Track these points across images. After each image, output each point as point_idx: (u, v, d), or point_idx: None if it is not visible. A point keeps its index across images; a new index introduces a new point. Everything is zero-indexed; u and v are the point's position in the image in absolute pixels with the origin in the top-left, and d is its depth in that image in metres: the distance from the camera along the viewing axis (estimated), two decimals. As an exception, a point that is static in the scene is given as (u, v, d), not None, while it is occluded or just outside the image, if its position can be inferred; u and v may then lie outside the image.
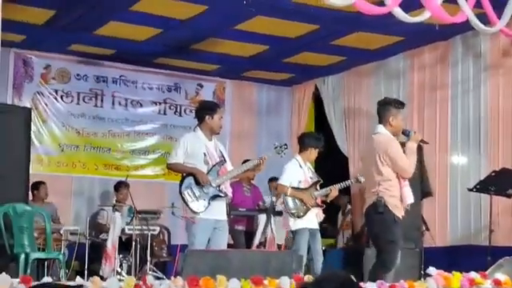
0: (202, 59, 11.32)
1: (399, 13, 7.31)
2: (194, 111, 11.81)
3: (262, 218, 8.98)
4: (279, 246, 8.94)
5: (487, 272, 6.84)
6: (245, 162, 7.79)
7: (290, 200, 8.11)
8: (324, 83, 12.32)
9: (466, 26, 8.16)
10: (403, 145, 6.64)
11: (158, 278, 7.88)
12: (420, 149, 9.44)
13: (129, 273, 8.99)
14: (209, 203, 6.94)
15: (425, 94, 10.44)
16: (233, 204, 8.54)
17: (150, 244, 9.16)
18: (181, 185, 7.02)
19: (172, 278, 5.39)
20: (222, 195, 7.05)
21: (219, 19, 9.28)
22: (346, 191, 10.17)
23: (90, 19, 9.33)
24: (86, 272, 8.75)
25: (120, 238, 9.31)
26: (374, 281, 5.82)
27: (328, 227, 10.75)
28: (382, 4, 7.24)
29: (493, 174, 8.55)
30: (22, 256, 7.61)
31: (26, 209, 8.12)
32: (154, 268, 9.23)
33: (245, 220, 9.73)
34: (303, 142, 8.37)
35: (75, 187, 11.33)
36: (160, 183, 11.83)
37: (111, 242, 9.01)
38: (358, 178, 8.22)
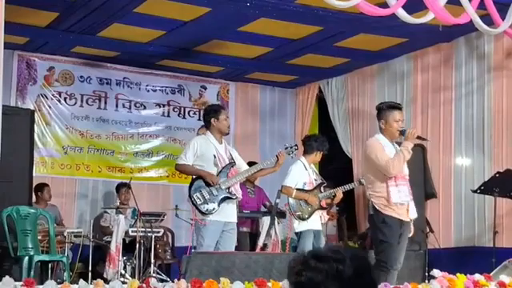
0: (206, 61, 11.32)
1: (403, 14, 7.32)
2: (197, 113, 12.03)
3: (266, 219, 9.00)
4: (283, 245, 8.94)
5: (492, 274, 6.84)
6: (249, 164, 7.82)
7: (294, 202, 8.13)
8: (328, 85, 12.31)
9: (469, 28, 8.17)
10: (400, 145, 6.66)
11: (161, 281, 7.90)
12: (423, 150, 9.46)
13: (132, 275, 8.98)
14: (218, 205, 6.98)
15: (428, 96, 10.42)
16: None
17: (154, 246, 9.16)
18: (190, 187, 7.07)
19: (176, 280, 5.38)
20: (232, 197, 7.09)
21: (223, 21, 9.28)
22: (348, 192, 10.16)
23: (93, 21, 9.34)
24: (89, 274, 8.75)
25: (124, 240, 9.30)
26: None
27: None
28: (385, 6, 7.24)
29: (497, 175, 8.54)
30: (26, 258, 7.62)
31: (29, 211, 8.12)
32: (158, 270, 9.21)
33: (249, 222, 9.73)
34: (309, 145, 8.40)
35: (79, 189, 11.32)
36: (164, 185, 11.84)
37: (115, 244, 9.01)
38: (360, 181, 8.32)
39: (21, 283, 4.87)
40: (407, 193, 6.54)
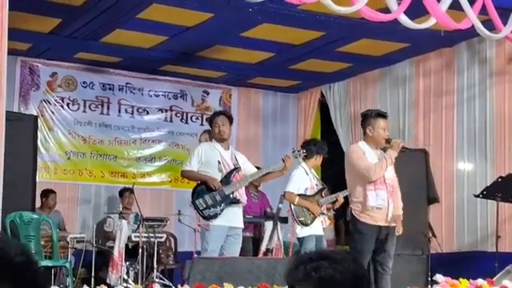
0: (208, 66, 11.33)
1: (405, 20, 7.34)
2: (200, 118, 12.04)
3: (269, 224, 9.01)
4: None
5: (494, 279, 6.85)
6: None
7: (297, 208, 8.14)
8: (330, 90, 12.32)
9: (471, 33, 8.18)
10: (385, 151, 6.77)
11: (164, 286, 7.91)
12: (426, 155, 9.47)
13: (135, 280, 8.99)
14: (221, 210, 7.01)
15: (430, 100, 10.43)
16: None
17: (157, 251, 9.16)
18: (193, 193, 7.10)
19: (179, 285, 5.39)
20: (236, 201, 7.12)
21: (225, 26, 9.30)
22: (346, 196, 10.16)
23: (96, 27, 9.36)
24: (92, 280, 8.75)
25: (127, 245, 9.31)
26: None
27: None
28: (387, 11, 7.25)
29: (499, 179, 8.54)
30: (29, 264, 7.61)
31: (32, 217, 8.13)
32: (161, 275, 9.22)
33: (252, 226, 9.73)
34: (308, 150, 8.40)
35: (82, 195, 11.33)
36: (166, 190, 11.85)
37: (118, 249, 9.02)
38: None
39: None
40: (385, 197, 6.60)
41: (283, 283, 5.68)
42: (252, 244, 9.67)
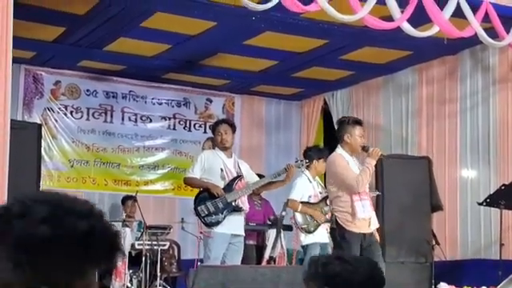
0: (211, 74, 11.35)
1: (408, 28, 7.36)
2: (203, 126, 12.06)
3: (272, 232, 9.00)
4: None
5: (498, 287, 6.82)
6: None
7: (300, 215, 8.14)
8: (333, 97, 12.33)
9: (474, 40, 8.20)
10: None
11: (168, 294, 7.89)
12: (429, 163, 9.48)
13: (139, 288, 8.99)
14: (223, 218, 7.02)
15: (433, 108, 10.44)
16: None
17: (160, 259, 9.16)
18: (195, 200, 7.12)
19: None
20: (238, 209, 7.13)
21: (228, 34, 9.32)
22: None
23: (99, 36, 9.39)
24: (96, 288, 8.73)
25: (130, 253, 9.31)
26: None
27: None
28: (390, 19, 7.27)
29: (503, 187, 8.53)
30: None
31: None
32: (164, 283, 9.22)
33: (255, 234, 9.72)
34: (308, 156, 8.42)
35: (85, 202, 11.31)
36: (170, 198, 11.85)
37: (121, 257, 9.02)
38: None
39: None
40: (369, 208, 6.76)
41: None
42: (255, 252, 9.67)
